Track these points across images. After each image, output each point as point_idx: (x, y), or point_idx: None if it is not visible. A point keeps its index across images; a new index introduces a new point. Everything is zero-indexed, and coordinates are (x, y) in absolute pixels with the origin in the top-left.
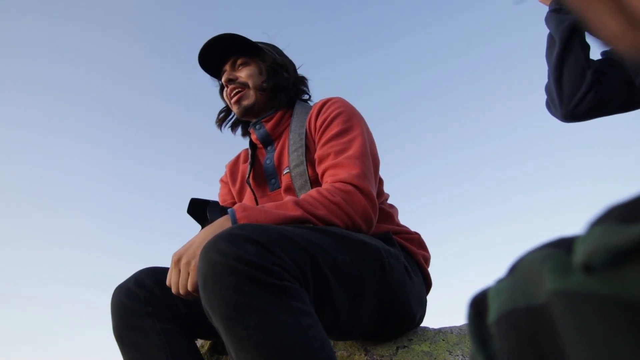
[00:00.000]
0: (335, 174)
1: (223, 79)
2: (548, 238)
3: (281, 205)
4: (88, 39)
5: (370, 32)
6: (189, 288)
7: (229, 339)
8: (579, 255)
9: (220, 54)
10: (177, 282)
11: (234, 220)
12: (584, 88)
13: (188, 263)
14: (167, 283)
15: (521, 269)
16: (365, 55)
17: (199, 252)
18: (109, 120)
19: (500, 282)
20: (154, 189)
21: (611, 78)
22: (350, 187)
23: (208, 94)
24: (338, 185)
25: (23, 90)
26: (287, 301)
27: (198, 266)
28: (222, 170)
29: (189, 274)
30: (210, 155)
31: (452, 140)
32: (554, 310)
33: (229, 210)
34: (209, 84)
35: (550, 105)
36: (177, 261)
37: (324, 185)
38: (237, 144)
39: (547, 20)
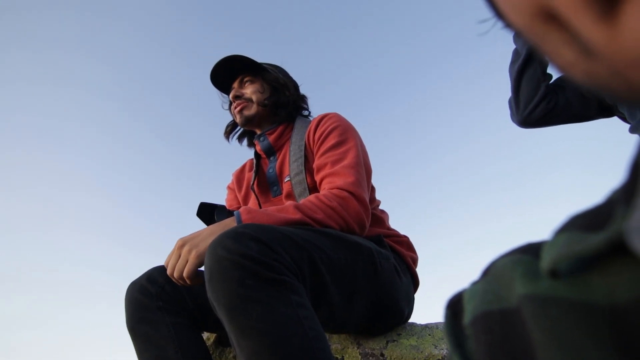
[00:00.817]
0: (332, 181)
1: (231, 96)
2: (517, 244)
3: (282, 209)
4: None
5: (354, 53)
6: (184, 274)
7: (232, 328)
8: (546, 261)
9: (229, 72)
10: (174, 265)
11: (239, 221)
12: (537, 99)
13: (189, 251)
14: (165, 263)
15: (494, 273)
16: (355, 74)
17: (202, 244)
18: (139, 126)
19: (474, 284)
20: (166, 192)
21: (568, 91)
22: (345, 194)
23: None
24: (335, 191)
25: (64, 85)
26: (286, 294)
27: (205, 261)
28: (229, 178)
29: (187, 261)
30: (219, 164)
31: (436, 150)
32: (524, 314)
33: (234, 212)
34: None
35: (511, 114)
36: (180, 246)
37: (322, 192)
38: (243, 154)
39: (515, 38)
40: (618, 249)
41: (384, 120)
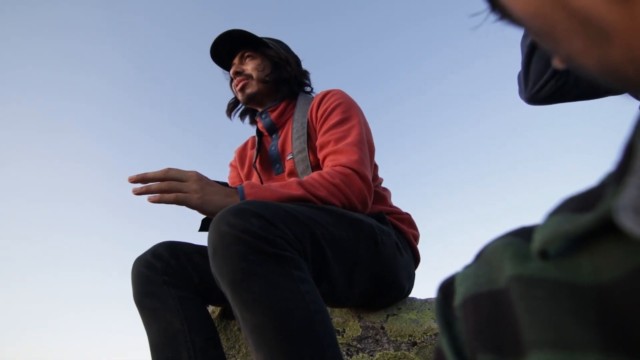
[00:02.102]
0: (336, 159)
1: (231, 72)
2: (511, 227)
3: (285, 185)
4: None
5: (361, 32)
6: (160, 199)
7: (235, 302)
8: (537, 242)
9: (229, 48)
10: (164, 189)
11: (242, 196)
12: (546, 76)
13: (199, 197)
14: (158, 172)
15: (485, 257)
16: (360, 52)
17: (209, 205)
18: (140, 101)
19: (466, 268)
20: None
21: None
22: (348, 171)
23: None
24: (338, 169)
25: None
26: (288, 270)
27: (208, 236)
28: (232, 156)
29: (185, 198)
30: (222, 142)
31: (441, 128)
32: (512, 294)
33: (238, 187)
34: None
35: (519, 90)
36: (196, 180)
37: (325, 169)
38: (247, 131)
39: None
40: (607, 228)
41: (388, 98)
